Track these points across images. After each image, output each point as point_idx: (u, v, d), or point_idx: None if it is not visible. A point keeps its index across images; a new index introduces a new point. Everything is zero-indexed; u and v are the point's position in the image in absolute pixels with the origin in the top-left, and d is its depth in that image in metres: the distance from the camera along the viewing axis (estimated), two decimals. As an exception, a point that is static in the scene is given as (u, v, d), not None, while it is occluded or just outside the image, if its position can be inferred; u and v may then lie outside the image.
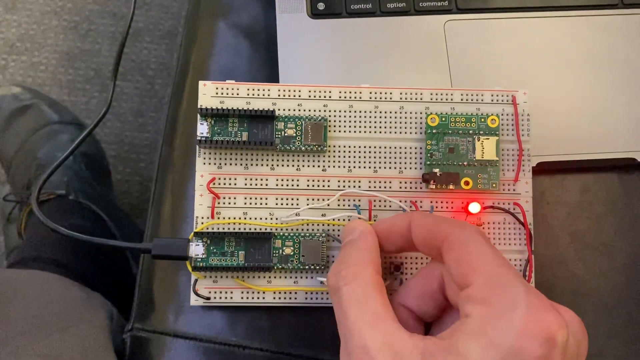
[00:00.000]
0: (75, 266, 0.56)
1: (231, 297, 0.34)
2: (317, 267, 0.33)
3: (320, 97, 0.35)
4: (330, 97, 0.35)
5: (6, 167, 0.71)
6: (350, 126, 0.35)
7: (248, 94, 0.34)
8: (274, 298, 0.34)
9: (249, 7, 0.42)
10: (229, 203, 0.34)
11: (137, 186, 0.85)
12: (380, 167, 0.35)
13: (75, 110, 0.83)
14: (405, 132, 0.35)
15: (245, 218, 0.34)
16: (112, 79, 0.39)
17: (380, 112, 0.35)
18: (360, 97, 0.35)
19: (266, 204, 0.34)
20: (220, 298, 0.34)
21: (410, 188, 0.35)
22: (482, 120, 0.34)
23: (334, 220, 0.34)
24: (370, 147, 0.35)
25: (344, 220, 0.34)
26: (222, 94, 0.34)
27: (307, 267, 0.33)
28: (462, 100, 0.35)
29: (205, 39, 0.42)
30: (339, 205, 0.34)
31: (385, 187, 0.35)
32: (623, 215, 0.38)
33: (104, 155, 0.77)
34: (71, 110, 0.78)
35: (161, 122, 0.42)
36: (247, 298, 0.34)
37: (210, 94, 0.34)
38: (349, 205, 0.34)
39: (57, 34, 0.88)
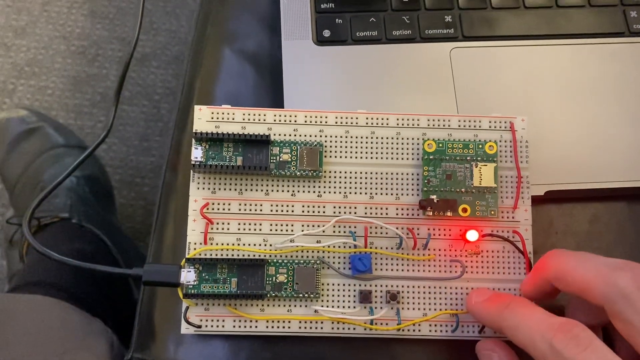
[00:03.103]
0: (76, 291, 0.55)
1: (223, 326, 0.33)
2: (312, 295, 0.33)
3: (316, 122, 0.34)
4: (326, 122, 0.34)
5: (10, 190, 0.71)
6: (346, 152, 0.34)
7: (243, 119, 0.34)
8: (267, 327, 0.33)
9: (254, 33, 0.42)
10: (223, 228, 0.34)
11: (141, 210, 0.84)
12: (376, 193, 0.34)
13: (81, 134, 0.84)
14: (402, 158, 0.34)
15: (238, 244, 0.33)
16: (114, 102, 0.39)
17: (377, 138, 0.34)
18: (356, 123, 0.35)
19: (260, 229, 0.34)
20: (212, 326, 0.33)
21: (407, 215, 0.34)
22: (480, 146, 0.34)
23: (329, 247, 0.33)
24: (366, 172, 0.34)
25: (339, 247, 0.33)
26: (217, 118, 0.34)
27: (301, 295, 0.33)
28: (459, 126, 0.35)
29: (211, 65, 0.42)
30: (334, 231, 0.34)
31: (381, 214, 0.34)
32: (633, 245, 0.37)
33: (108, 179, 0.77)
34: (77, 134, 0.78)
35: (166, 146, 0.42)
36: (240, 327, 0.33)
37: (205, 118, 0.34)
38: (344, 232, 0.34)
39: (65, 58, 0.89)
